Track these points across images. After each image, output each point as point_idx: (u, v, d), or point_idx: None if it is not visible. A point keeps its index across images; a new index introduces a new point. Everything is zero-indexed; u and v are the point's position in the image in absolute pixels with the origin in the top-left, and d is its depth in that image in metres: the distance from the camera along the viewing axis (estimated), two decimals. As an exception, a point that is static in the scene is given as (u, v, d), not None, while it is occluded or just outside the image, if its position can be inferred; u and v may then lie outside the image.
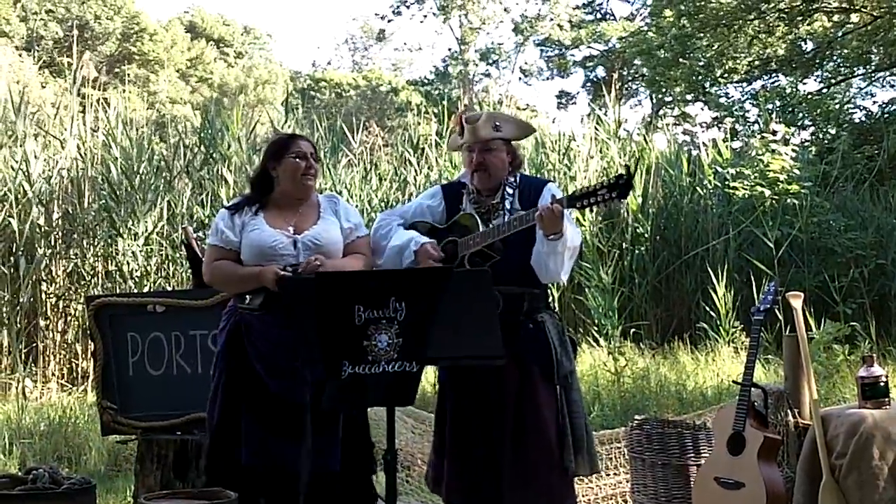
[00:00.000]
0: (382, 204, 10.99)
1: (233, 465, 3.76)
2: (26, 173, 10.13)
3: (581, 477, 4.08)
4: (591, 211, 10.35)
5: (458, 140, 3.96)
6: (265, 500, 3.79)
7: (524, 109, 26.65)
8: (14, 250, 9.76)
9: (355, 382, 3.07)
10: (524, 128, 4.21)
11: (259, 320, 3.79)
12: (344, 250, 3.93)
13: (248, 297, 3.82)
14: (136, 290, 9.36)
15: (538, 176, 10.20)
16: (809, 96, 17.22)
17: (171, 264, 10.13)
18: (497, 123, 3.89)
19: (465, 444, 3.73)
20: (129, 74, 22.77)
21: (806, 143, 14.59)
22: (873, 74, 18.03)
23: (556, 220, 3.57)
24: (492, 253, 3.73)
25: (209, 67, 32.04)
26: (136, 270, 9.85)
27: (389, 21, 35.88)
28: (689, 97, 20.05)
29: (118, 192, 10.21)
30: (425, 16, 34.54)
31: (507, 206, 3.84)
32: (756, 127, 14.91)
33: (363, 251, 3.97)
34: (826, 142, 15.24)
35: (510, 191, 3.87)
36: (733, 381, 4.67)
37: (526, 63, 34.95)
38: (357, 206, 10.92)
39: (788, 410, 4.49)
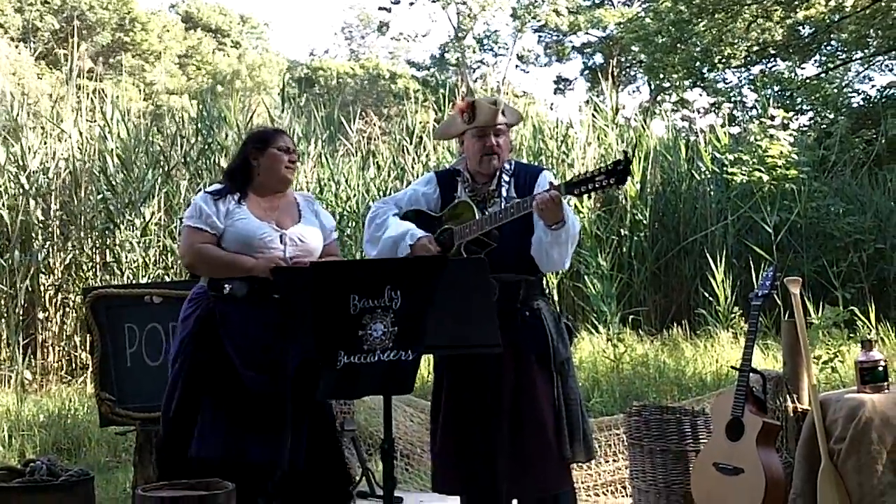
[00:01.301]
0: (380, 193, 10.97)
1: (187, 458, 3.70)
2: (23, 165, 10.12)
3: (578, 463, 4.07)
4: (590, 198, 10.42)
5: (461, 126, 3.91)
6: (266, 495, 3.76)
7: (521, 96, 26.58)
8: (12, 242, 9.75)
9: (350, 372, 3.06)
10: (519, 115, 4.22)
11: (237, 310, 3.76)
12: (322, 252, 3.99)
13: (227, 285, 3.79)
14: (134, 282, 9.35)
15: (535, 163, 10.21)
16: (807, 81, 17.23)
17: (169, 255, 10.11)
18: (503, 109, 3.90)
19: (461, 433, 3.71)
20: (124, 65, 22.72)
21: (804, 128, 14.58)
22: (871, 58, 18.02)
23: (556, 209, 3.56)
24: (488, 240, 3.71)
25: (206, 57, 31.95)
26: (134, 262, 9.84)
27: (388, 10, 35.79)
28: (687, 83, 20.01)
29: (115, 184, 10.19)
30: (423, 3, 34.48)
31: (503, 192, 3.82)
32: (754, 112, 14.89)
33: (335, 253, 4.12)
34: (824, 126, 15.22)
35: (506, 178, 3.86)
36: (732, 367, 4.66)
37: (523, 49, 34.90)
38: (355, 195, 10.92)
39: (787, 396, 4.48)
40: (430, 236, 3.79)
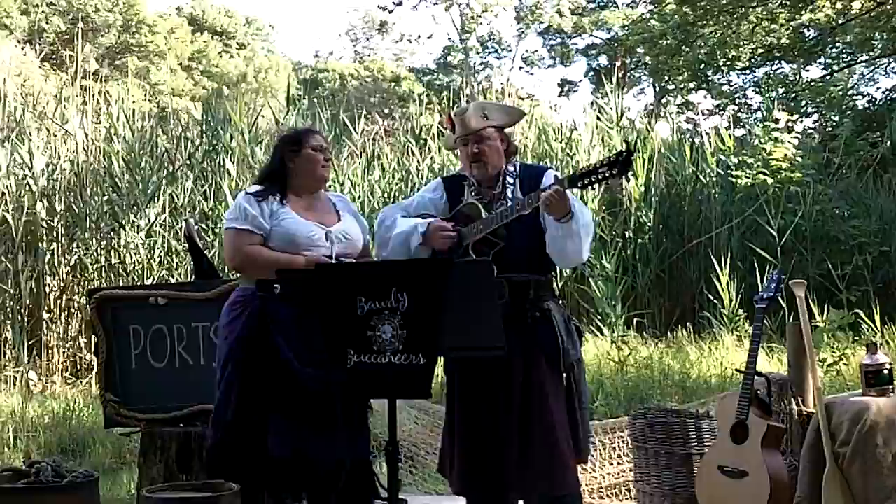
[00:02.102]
0: (385, 195, 10.98)
1: (248, 460, 3.72)
2: (29, 167, 10.14)
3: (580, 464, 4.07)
4: (595, 189, 10.34)
5: (453, 137, 3.97)
6: (293, 493, 3.78)
7: (526, 98, 26.58)
8: (17, 243, 9.77)
9: (362, 372, 3.07)
10: (513, 113, 4.22)
11: (287, 310, 3.75)
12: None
13: (277, 285, 3.76)
14: (138, 283, 9.36)
15: (540, 164, 10.20)
16: (812, 83, 17.19)
17: (173, 257, 10.12)
18: (485, 112, 3.91)
19: (472, 434, 3.72)
20: (129, 66, 22.74)
21: (809, 131, 14.56)
22: (876, 61, 17.98)
23: (562, 203, 3.56)
24: (496, 240, 3.72)
25: (213, 60, 31.98)
26: (139, 263, 9.85)
27: (390, 12, 35.80)
28: (691, 85, 20.00)
29: (120, 185, 10.21)
30: (426, 6, 34.45)
31: (510, 194, 3.83)
32: (759, 115, 14.87)
33: (370, 256, 4.17)
34: (829, 129, 15.20)
35: (511, 179, 3.87)
36: (736, 370, 4.66)
37: (528, 51, 34.91)
38: (360, 196, 10.93)
39: (792, 399, 4.47)
40: (439, 219, 3.83)
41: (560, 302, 3.96)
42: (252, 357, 3.79)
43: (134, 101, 12.72)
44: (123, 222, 9.93)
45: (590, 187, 3.69)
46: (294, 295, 3.44)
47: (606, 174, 3.52)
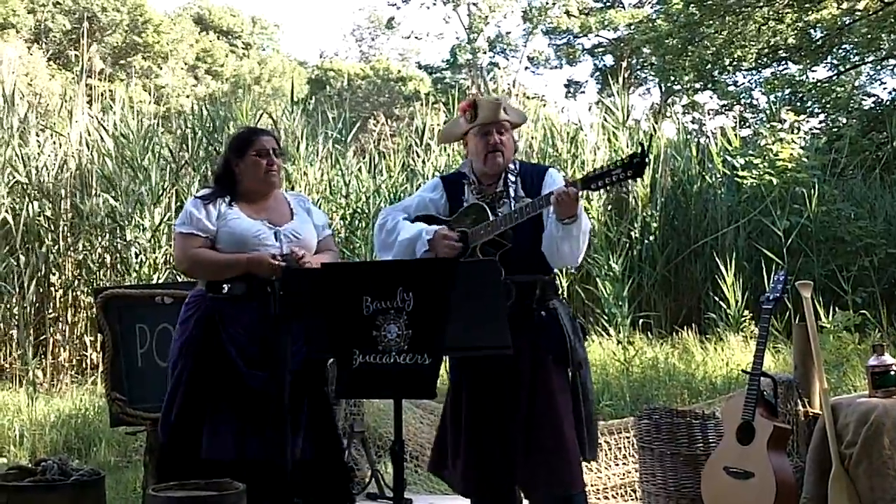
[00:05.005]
0: (390, 194, 10.98)
1: (195, 461, 3.71)
2: (34, 165, 10.16)
3: (587, 463, 4.07)
4: (607, 191, 10.34)
5: (464, 126, 3.91)
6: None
7: (532, 98, 26.58)
8: (21, 242, 9.78)
9: (367, 371, 3.07)
10: (523, 116, 4.21)
11: (236, 310, 3.78)
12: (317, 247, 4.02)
13: (225, 285, 3.82)
14: (143, 282, 9.37)
15: (546, 164, 10.18)
16: (819, 84, 17.15)
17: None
18: (505, 107, 3.90)
19: (478, 434, 3.71)
20: (134, 66, 22.76)
21: (815, 132, 14.52)
22: (883, 62, 17.93)
23: (572, 204, 3.56)
24: (502, 241, 3.71)
25: (219, 61, 32.00)
26: (145, 263, 9.86)
27: (398, 8, 35.83)
28: (697, 85, 19.97)
29: (125, 184, 10.21)
30: (434, 3, 34.44)
31: (512, 192, 3.81)
32: (765, 115, 14.85)
33: (331, 248, 4.13)
34: (835, 130, 15.17)
35: (512, 178, 3.85)
36: (742, 371, 4.65)
37: (534, 51, 34.88)
38: (365, 195, 10.93)
39: (798, 400, 4.47)
40: (445, 228, 3.79)
41: (564, 301, 3.96)
42: (200, 358, 3.81)
43: (140, 102, 12.74)
44: (127, 222, 9.93)
45: (603, 189, 3.68)
46: (300, 294, 3.42)
47: (620, 176, 3.51)
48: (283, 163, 4.11)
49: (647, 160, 3.50)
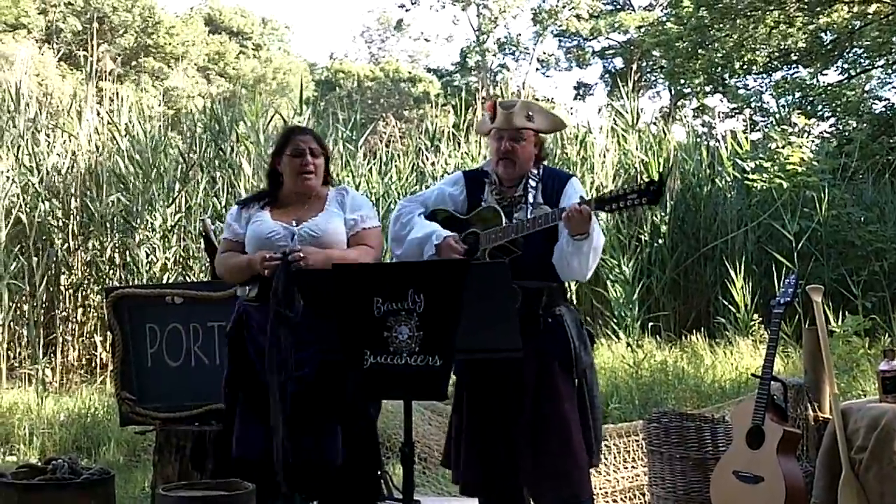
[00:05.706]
0: (399, 195, 10.97)
1: (228, 459, 3.79)
2: (45, 165, 10.19)
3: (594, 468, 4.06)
4: (620, 215, 10.28)
5: (488, 124, 3.89)
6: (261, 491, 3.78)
7: (542, 101, 26.57)
8: (31, 241, 9.81)
9: (379, 373, 3.07)
10: (556, 122, 4.09)
11: (257, 311, 3.79)
12: (349, 241, 3.88)
13: (247, 288, 3.84)
14: (153, 282, 9.39)
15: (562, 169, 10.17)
16: (829, 88, 17.10)
17: (188, 256, 10.15)
18: (530, 113, 3.84)
19: (483, 438, 3.71)
20: (145, 67, 22.80)
21: (825, 135, 14.48)
22: (894, 66, 17.88)
23: (584, 222, 3.55)
24: (513, 248, 3.70)
25: (232, 63, 32.04)
26: (155, 262, 9.89)
27: (407, 10, 35.88)
28: (707, 89, 19.93)
29: (135, 184, 10.23)
30: (443, 6, 34.49)
31: (530, 198, 3.79)
32: (775, 119, 14.81)
33: (369, 243, 3.89)
34: (846, 133, 15.13)
35: (533, 183, 3.83)
36: (752, 375, 4.64)
37: (544, 54, 34.89)
38: (375, 197, 10.92)
39: (808, 404, 4.46)
40: (455, 235, 3.77)
41: (572, 307, 3.94)
42: (232, 359, 3.89)
43: (151, 106, 12.76)
44: (137, 222, 9.96)
45: (616, 213, 3.67)
46: (311, 294, 3.43)
47: (635, 202, 3.50)
48: (327, 162, 3.99)
49: (663, 190, 3.46)
